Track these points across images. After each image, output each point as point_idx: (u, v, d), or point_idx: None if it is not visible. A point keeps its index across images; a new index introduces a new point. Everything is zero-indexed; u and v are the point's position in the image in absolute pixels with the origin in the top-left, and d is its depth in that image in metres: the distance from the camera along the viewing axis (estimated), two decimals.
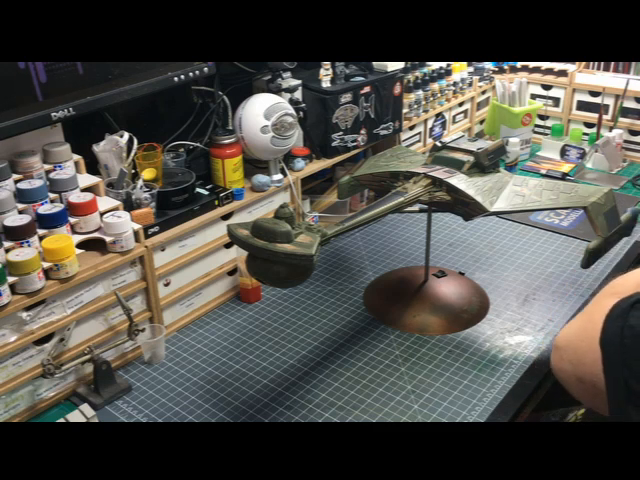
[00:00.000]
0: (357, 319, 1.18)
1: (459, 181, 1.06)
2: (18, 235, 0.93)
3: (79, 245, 1.00)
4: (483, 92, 1.92)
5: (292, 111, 1.27)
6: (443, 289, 1.19)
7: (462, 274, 1.25)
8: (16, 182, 0.99)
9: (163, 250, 1.11)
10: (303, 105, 1.34)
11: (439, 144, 1.16)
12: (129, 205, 1.09)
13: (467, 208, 1.07)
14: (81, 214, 1.01)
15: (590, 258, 1.00)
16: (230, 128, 1.31)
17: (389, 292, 1.22)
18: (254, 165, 1.34)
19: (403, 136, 1.62)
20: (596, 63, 1.87)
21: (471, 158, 1.10)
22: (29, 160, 1.01)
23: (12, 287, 0.91)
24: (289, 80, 1.34)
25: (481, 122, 1.97)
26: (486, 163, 1.10)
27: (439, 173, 1.08)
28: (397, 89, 1.52)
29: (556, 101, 1.92)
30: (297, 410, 0.97)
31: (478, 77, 1.86)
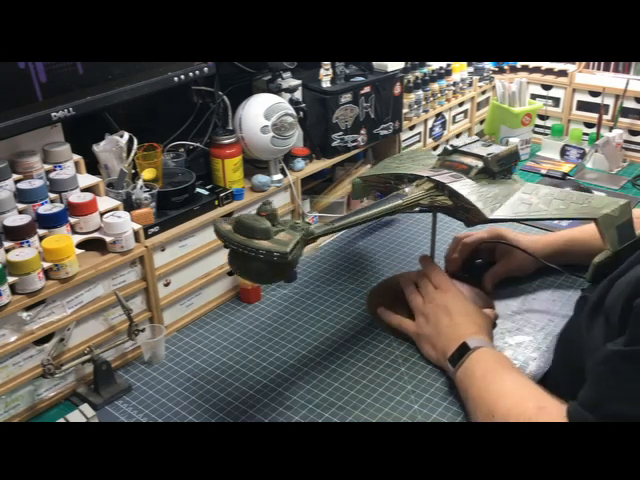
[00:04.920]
0: (357, 319, 1.18)
1: (462, 186, 1.04)
2: (18, 235, 0.93)
3: (79, 245, 1.00)
4: (483, 92, 1.92)
5: (292, 111, 1.27)
6: None
7: (466, 276, 1.23)
8: (16, 182, 0.99)
9: (163, 250, 1.11)
10: (303, 105, 1.34)
11: (450, 148, 1.14)
12: (129, 205, 1.09)
13: (468, 214, 1.05)
14: (81, 214, 1.01)
15: (596, 272, 0.96)
16: (230, 128, 1.31)
17: (392, 298, 1.18)
18: (254, 165, 1.34)
19: (403, 136, 1.62)
20: (596, 63, 1.87)
21: (480, 163, 1.08)
22: (29, 160, 1.01)
23: (12, 287, 0.91)
24: (289, 80, 1.34)
25: (481, 122, 1.97)
26: (496, 169, 1.08)
27: (443, 177, 1.06)
28: (397, 89, 1.52)
29: (556, 101, 1.92)
30: (297, 410, 0.97)
31: (478, 77, 1.86)
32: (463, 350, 0.95)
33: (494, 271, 1.24)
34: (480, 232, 1.25)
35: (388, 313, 1.12)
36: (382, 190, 1.23)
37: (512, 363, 0.95)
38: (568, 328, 1.00)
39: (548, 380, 1.00)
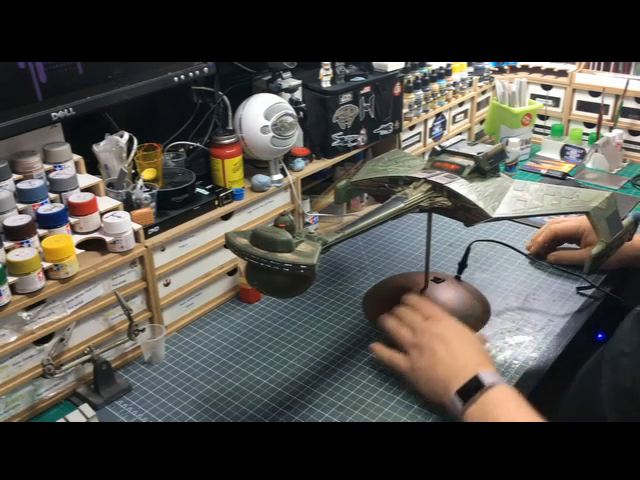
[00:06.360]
0: (357, 319, 1.18)
1: (460, 186, 1.05)
2: (18, 235, 0.93)
3: (79, 245, 1.00)
4: (483, 92, 1.92)
5: (292, 111, 1.27)
6: (444, 295, 1.17)
7: (458, 278, 1.23)
8: (16, 182, 0.99)
9: (163, 250, 1.11)
10: (303, 105, 1.34)
11: (438, 148, 1.15)
12: (129, 205, 1.09)
13: (469, 214, 1.06)
14: (81, 214, 1.01)
15: (593, 264, 0.99)
16: (230, 128, 1.31)
17: (389, 303, 1.17)
18: (254, 165, 1.34)
19: (403, 136, 1.62)
20: (596, 63, 1.87)
21: (472, 163, 1.08)
22: (29, 160, 1.01)
23: (12, 287, 0.91)
24: (289, 80, 1.34)
25: (481, 122, 1.97)
26: (487, 168, 1.09)
27: (439, 178, 1.06)
28: (397, 89, 1.52)
29: (556, 101, 1.92)
30: (297, 410, 0.97)
31: (478, 77, 1.86)
32: (475, 385, 0.85)
33: (564, 254, 1.30)
34: (571, 221, 1.30)
35: (380, 348, 1.02)
36: (376, 194, 1.23)
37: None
38: (615, 339, 0.98)
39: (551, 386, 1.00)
